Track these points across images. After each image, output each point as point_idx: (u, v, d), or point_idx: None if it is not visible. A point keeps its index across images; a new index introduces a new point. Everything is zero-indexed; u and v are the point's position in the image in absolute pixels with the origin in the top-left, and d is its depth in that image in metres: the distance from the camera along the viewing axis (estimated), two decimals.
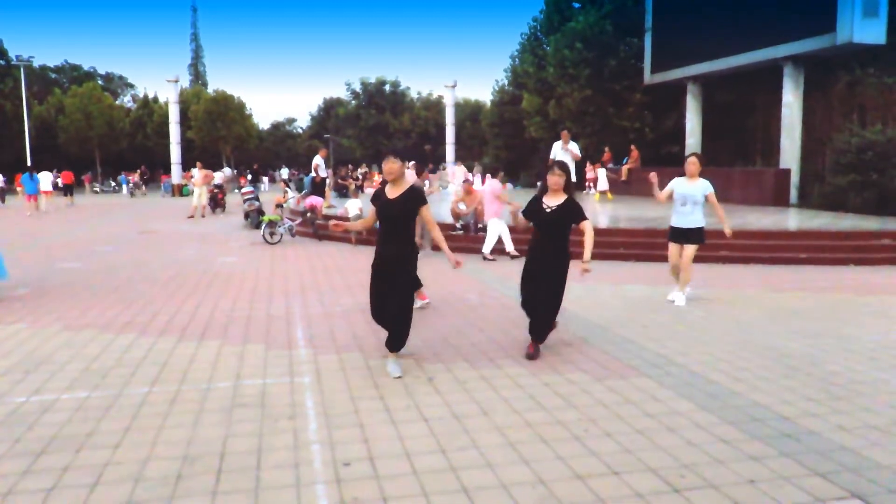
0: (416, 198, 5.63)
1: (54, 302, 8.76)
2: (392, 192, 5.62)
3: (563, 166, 6.18)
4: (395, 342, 5.74)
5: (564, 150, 15.13)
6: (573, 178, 14.00)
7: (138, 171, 48.34)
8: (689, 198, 8.21)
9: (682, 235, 8.36)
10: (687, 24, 23.52)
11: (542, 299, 6.06)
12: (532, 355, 6.05)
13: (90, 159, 58.16)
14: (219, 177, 36.06)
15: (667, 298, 8.67)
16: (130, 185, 44.37)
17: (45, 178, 29.68)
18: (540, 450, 4.14)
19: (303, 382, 5.46)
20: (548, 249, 6.10)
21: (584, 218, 6.08)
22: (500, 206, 12.64)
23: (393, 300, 5.62)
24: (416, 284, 7.68)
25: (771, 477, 3.76)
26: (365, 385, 5.37)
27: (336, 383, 5.42)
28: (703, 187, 8.22)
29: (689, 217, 8.26)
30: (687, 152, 24.63)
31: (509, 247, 12.61)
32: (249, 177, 39.62)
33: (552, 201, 6.08)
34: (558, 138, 15.67)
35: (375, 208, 5.71)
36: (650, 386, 5.32)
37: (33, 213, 25.83)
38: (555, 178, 6.05)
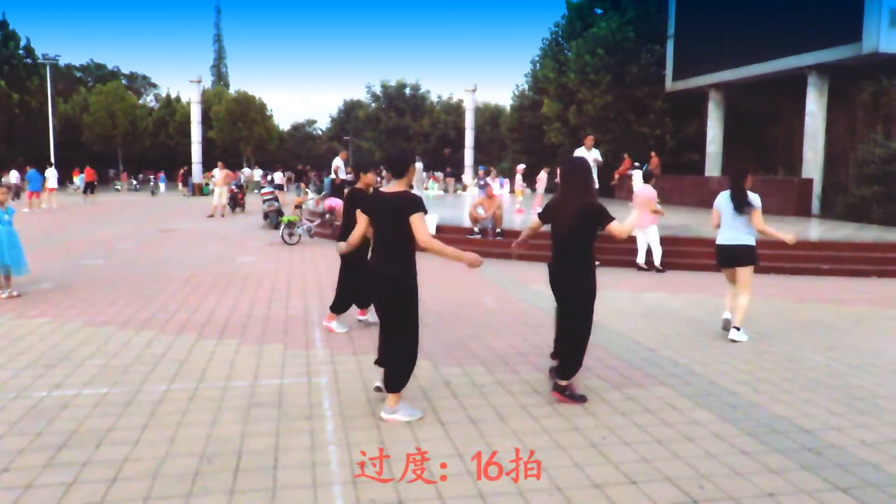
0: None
1: (76, 297, 8.85)
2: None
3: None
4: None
5: (588, 155, 15.00)
6: (595, 184, 13.76)
7: (181, 170, 46.53)
8: None
9: None
10: (710, 31, 23.39)
11: None
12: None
13: (113, 157, 58.80)
14: (278, 177, 36.39)
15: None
16: (153, 184, 44.74)
17: (52, 176, 28.13)
18: (557, 456, 4.11)
19: (320, 383, 5.47)
20: None
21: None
22: (650, 213, 11.58)
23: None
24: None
25: (791, 491, 3.72)
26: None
27: (353, 384, 5.42)
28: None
29: None
30: (708, 161, 24.51)
31: (657, 259, 11.96)
32: (285, 176, 39.96)
33: None
34: (578, 144, 15.61)
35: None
36: (669, 395, 5.27)
37: (32, 211, 24.97)
38: None
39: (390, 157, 5.02)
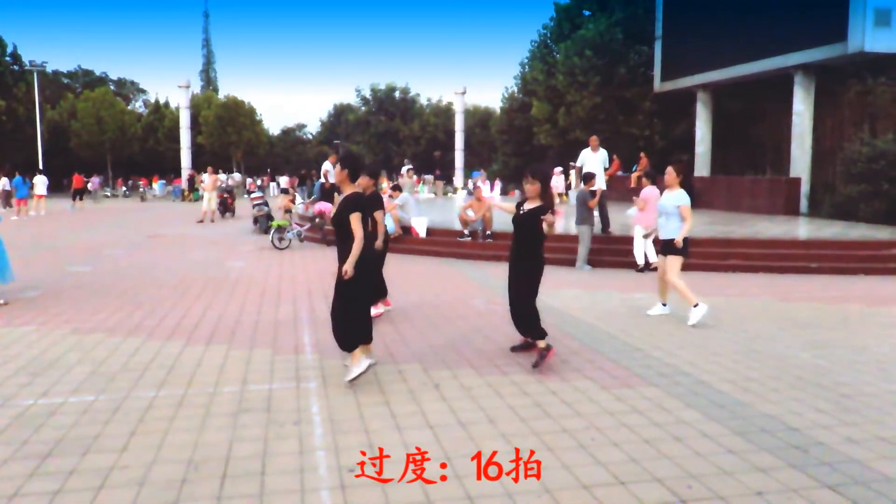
0: (345, 204, 5.48)
1: (64, 305, 8.80)
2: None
3: (535, 173, 6.20)
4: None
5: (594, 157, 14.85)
6: (604, 186, 13.77)
7: (189, 174, 44.27)
8: (662, 209, 8.00)
9: (663, 247, 8.11)
10: (698, 32, 23.51)
11: (511, 299, 6.37)
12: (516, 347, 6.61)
13: (102, 163, 58.49)
14: (284, 181, 36.81)
15: (647, 312, 8.33)
16: (142, 189, 44.77)
17: (41, 182, 28.26)
18: (545, 458, 4.11)
19: (309, 388, 5.46)
20: (517, 251, 6.31)
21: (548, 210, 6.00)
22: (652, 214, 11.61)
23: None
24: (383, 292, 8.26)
25: (779, 489, 3.73)
26: (371, 391, 5.36)
27: (342, 389, 5.41)
28: (677, 198, 7.88)
29: (665, 228, 7.99)
30: (697, 160, 24.63)
31: (651, 257, 11.92)
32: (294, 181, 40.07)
33: (527, 205, 6.19)
34: (568, 146, 15.62)
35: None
36: (657, 395, 5.29)
37: (20, 218, 24.73)
38: (529, 187, 6.16)
39: (356, 159, 5.97)
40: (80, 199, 33.47)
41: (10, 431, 4.51)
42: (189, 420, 4.72)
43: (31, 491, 3.69)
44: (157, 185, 50.40)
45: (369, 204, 6.00)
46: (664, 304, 8.31)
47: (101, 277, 11.16)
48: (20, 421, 4.70)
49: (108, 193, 49.38)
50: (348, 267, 5.34)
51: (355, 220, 5.36)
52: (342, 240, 5.49)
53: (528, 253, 6.22)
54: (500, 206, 7.71)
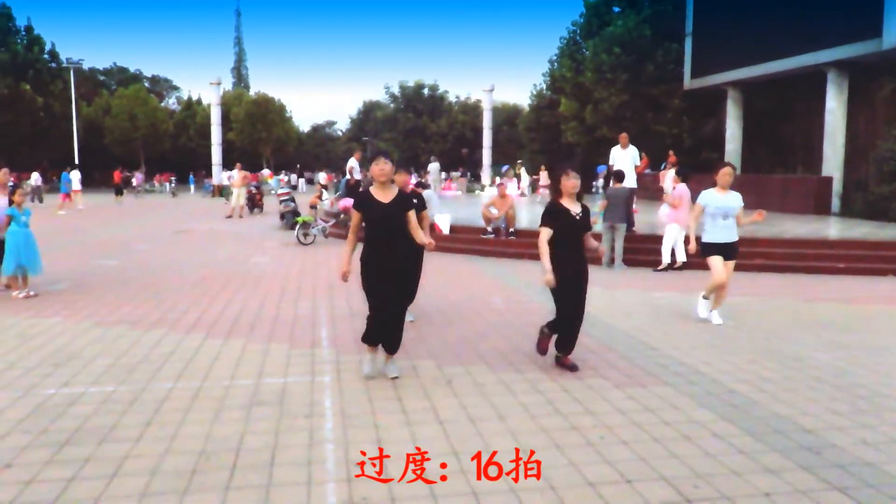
0: (407, 199, 5.64)
1: (90, 297, 8.99)
2: (384, 196, 5.50)
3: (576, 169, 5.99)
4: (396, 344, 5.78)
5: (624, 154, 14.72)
6: (634, 185, 13.61)
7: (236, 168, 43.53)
8: (730, 210, 7.64)
9: (728, 250, 7.75)
10: (728, 28, 23.15)
11: (580, 312, 5.87)
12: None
13: (135, 160, 59.52)
14: (322, 177, 37.61)
15: (710, 319, 7.85)
16: (172, 185, 45.55)
17: (75, 178, 28.81)
18: (552, 456, 4.11)
19: (323, 382, 5.52)
20: (577, 256, 5.86)
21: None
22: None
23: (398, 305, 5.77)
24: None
25: (787, 490, 3.69)
26: (384, 386, 5.40)
27: (355, 383, 5.46)
28: (739, 198, 7.73)
29: (732, 230, 7.73)
30: (727, 159, 24.27)
31: (665, 257, 11.90)
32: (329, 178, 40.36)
33: (572, 206, 5.79)
34: (595, 143, 15.50)
35: (362, 214, 5.52)
36: (670, 394, 5.25)
37: (66, 212, 25.48)
38: (574, 182, 5.79)
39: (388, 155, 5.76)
40: (120, 194, 34.23)
41: (30, 420, 4.63)
42: (203, 412, 4.81)
43: (46, 478, 3.79)
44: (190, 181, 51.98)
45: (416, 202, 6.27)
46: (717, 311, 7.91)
47: (127, 271, 11.37)
48: (41, 410, 4.82)
49: (148, 188, 50.31)
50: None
51: (414, 215, 5.63)
52: (396, 234, 5.45)
53: (583, 256, 5.87)
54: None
